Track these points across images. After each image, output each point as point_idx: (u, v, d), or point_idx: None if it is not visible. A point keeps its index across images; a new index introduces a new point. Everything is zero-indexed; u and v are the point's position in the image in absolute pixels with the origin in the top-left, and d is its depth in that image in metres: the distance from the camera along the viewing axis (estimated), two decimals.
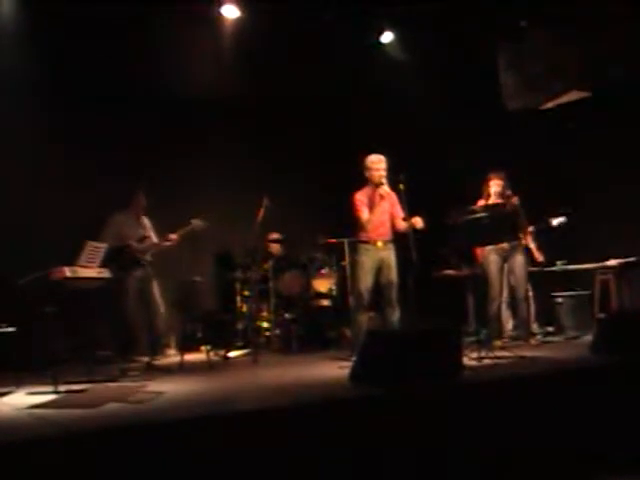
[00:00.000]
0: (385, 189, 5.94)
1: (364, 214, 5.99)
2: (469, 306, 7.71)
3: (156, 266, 6.80)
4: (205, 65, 7.28)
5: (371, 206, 6.00)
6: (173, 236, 6.66)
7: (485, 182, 6.57)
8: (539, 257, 6.92)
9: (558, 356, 5.51)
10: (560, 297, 7.25)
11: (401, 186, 5.80)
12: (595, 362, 4.95)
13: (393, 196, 6.03)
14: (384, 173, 5.97)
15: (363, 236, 6.03)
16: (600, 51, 6.75)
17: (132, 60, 6.98)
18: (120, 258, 6.34)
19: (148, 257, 6.72)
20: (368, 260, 5.98)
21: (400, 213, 6.00)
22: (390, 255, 6.02)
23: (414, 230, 5.75)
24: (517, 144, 7.70)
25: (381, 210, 6.00)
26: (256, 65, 7.56)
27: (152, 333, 6.69)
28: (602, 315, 6.69)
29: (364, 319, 6.04)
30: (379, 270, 5.99)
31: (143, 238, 6.68)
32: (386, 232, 6.05)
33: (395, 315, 5.97)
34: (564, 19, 6.97)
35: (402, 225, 5.96)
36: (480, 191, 6.60)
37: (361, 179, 6.10)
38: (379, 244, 6.00)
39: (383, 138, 6.54)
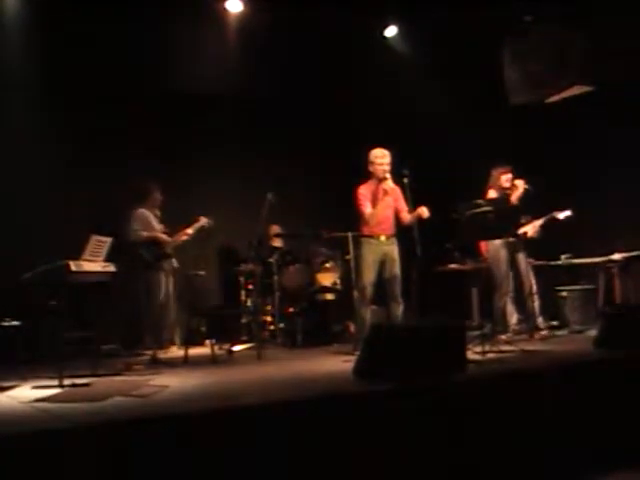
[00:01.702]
0: (389, 184, 5.93)
1: (367, 208, 5.99)
2: (473, 300, 7.71)
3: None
4: (208, 61, 7.27)
5: (374, 201, 6.00)
6: (190, 231, 6.75)
7: (497, 175, 6.56)
8: None
9: (562, 350, 5.50)
10: (565, 291, 7.24)
11: (405, 180, 5.79)
12: (599, 356, 4.93)
13: (397, 190, 6.02)
14: (388, 168, 5.96)
15: (366, 230, 6.03)
16: (604, 45, 6.71)
17: (135, 56, 6.96)
18: (156, 250, 6.43)
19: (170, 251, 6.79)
20: (371, 254, 5.98)
21: (404, 207, 6.01)
22: (394, 249, 6.03)
23: (419, 222, 5.75)
24: (519, 138, 7.67)
25: (385, 205, 5.99)
26: (259, 61, 7.54)
27: (163, 327, 6.72)
28: (607, 309, 6.67)
29: (368, 313, 6.05)
30: (383, 264, 5.99)
31: (165, 232, 6.74)
32: (389, 227, 6.05)
33: (399, 309, 5.98)
34: (568, 13, 6.94)
35: (407, 218, 5.96)
36: (484, 184, 6.59)
37: (364, 173, 6.09)
38: (382, 238, 6.00)
39: (385, 133, 6.52)
